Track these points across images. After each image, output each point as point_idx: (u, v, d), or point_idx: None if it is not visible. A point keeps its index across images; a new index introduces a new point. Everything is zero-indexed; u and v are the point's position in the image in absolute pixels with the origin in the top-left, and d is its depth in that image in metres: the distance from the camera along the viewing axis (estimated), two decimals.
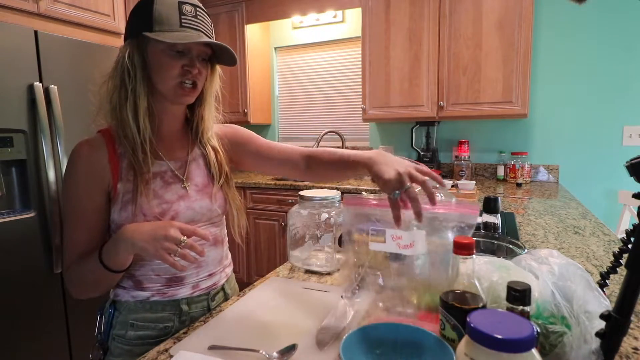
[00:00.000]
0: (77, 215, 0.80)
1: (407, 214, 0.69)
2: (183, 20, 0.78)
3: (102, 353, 0.86)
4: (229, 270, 1.01)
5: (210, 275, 0.92)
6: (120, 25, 2.41)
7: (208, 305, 0.92)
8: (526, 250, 0.85)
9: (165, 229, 0.70)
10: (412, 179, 0.71)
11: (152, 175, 0.83)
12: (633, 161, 0.49)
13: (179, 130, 0.92)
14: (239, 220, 0.97)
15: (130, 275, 0.85)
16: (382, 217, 0.74)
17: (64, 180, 0.82)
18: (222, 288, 0.97)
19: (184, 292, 0.87)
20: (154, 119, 0.85)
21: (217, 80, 0.91)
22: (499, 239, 0.96)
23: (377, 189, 2.31)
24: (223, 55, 0.87)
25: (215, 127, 0.99)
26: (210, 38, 0.83)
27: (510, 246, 0.92)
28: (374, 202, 0.75)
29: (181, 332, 0.77)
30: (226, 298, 0.97)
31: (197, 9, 0.81)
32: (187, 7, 0.79)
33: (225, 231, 1.00)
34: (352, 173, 0.94)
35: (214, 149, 0.95)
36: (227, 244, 1.02)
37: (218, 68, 0.92)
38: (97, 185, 0.80)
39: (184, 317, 0.87)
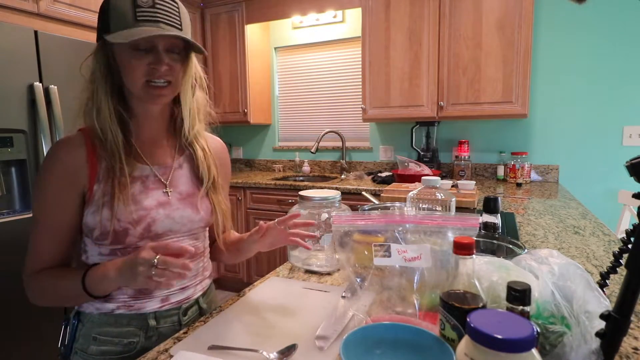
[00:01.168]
0: (46, 223, 0.77)
1: (412, 227, 0.69)
2: (138, 14, 0.71)
3: None
4: (207, 282, 0.95)
5: (182, 288, 0.86)
6: None
7: (179, 320, 0.85)
8: (526, 250, 0.85)
9: (136, 255, 0.66)
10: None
11: (132, 179, 0.79)
12: (633, 161, 0.49)
13: (163, 131, 0.88)
14: (224, 225, 0.93)
15: None
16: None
17: (36, 181, 0.78)
18: (197, 301, 0.90)
19: (152, 305, 0.81)
20: (135, 122, 0.82)
21: (191, 72, 0.83)
22: (499, 239, 0.96)
23: (377, 189, 2.31)
24: (190, 46, 0.79)
25: (216, 139, 0.98)
26: (175, 27, 0.75)
27: (510, 246, 0.92)
28: (364, 219, 0.74)
29: (181, 332, 0.77)
30: (201, 313, 0.90)
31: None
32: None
33: (208, 242, 0.96)
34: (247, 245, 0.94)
35: (202, 149, 0.89)
36: (208, 255, 0.97)
37: (194, 58, 0.83)
38: (71, 187, 0.76)
39: (151, 332, 0.82)
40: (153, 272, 0.64)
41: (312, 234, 0.92)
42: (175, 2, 0.77)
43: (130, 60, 0.74)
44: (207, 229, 0.94)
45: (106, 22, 0.73)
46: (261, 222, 0.88)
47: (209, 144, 0.94)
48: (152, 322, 0.82)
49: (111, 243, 0.77)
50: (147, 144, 0.85)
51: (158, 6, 0.73)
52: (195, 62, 0.84)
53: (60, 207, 0.77)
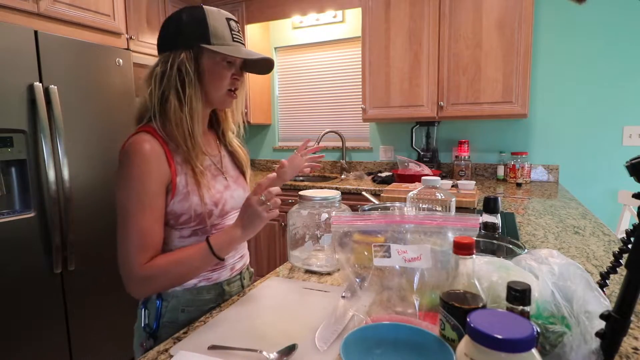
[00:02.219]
0: (147, 207, 0.82)
1: (410, 227, 0.70)
2: (233, 36, 0.90)
3: (152, 341, 0.91)
4: (248, 252, 1.13)
5: (241, 257, 1.05)
6: (120, 25, 2.41)
7: (241, 283, 1.04)
8: (526, 250, 0.85)
9: (248, 207, 0.81)
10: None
11: (204, 168, 0.92)
12: (633, 161, 0.49)
13: (206, 128, 1.02)
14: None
15: None
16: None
17: (126, 176, 0.83)
18: (247, 267, 1.10)
19: (224, 275, 0.98)
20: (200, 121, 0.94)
21: (246, 86, 1.03)
22: (499, 239, 0.96)
23: (377, 189, 2.31)
24: (253, 67, 0.97)
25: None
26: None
27: (510, 246, 0.92)
28: (363, 220, 0.74)
29: (181, 332, 0.77)
30: (250, 276, 1.11)
31: (237, 24, 0.94)
32: (233, 24, 0.91)
33: None
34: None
35: (239, 147, 1.07)
36: None
37: (246, 76, 1.01)
38: (162, 179, 0.85)
39: (226, 296, 0.98)
40: (270, 206, 0.80)
41: (319, 156, 1.36)
42: None
43: (221, 70, 0.90)
44: None
45: (205, 35, 0.86)
46: (282, 160, 1.20)
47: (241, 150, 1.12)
48: (226, 288, 0.99)
49: (197, 224, 0.90)
50: (203, 137, 0.97)
51: (240, 33, 0.94)
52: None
53: (158, 194, 0.85)
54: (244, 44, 0.92)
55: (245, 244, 1.10)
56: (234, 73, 0.92)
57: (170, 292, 0.92)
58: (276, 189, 0.81)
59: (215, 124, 1.05)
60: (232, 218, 0.98)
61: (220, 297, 0.97)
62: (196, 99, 0.88)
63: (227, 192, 0.97)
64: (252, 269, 1.14)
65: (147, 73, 0.90)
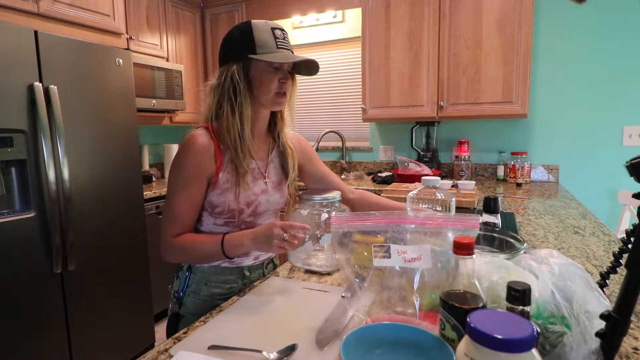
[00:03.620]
0: (187, 194, 0.97)
1: (410, 227, 0.70)
2: (278, 43, 0.97)
3: (178, 306, 1.06)
4: None
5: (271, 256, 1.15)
6: (120, 25, 2.41)
7: (263, 272, 1.13)
8: (525, 245, 0.86)
9: (269, 231, 0.88)
10: None
11: (246, 170, 1.01)
12: (633, 161, 0.49)
13: (264, 131, 1.10)
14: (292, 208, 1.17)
15: None
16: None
17: (176, 162, 0.98)
18: (272, 260, 1.18)
19: (247, 261, 1.09)
20: (251, 126, 1.01)
21: (296, 88, 1.07)
22: (499, 232, 0.96)
23: (377, 189, 2.31)
24: (302, 68, 1.04)
25: (289, 133, 1.16)
26: (292, 52, 1.02)
27: (511, 240, 0.92)
28: (363, 220, 0.74)
29: (181, 332, 0.77)
30: (274, 267, 1.19)
31: (284, 32, 1.00)
32: (278, 32, 0.98)
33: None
34: None
35: (290, 148, 1.12)
36: None
37: (296, 78, 1.08)
38: (205, 171, 0.97)
39: (246, 280, 1.08)
40: (284, 244, 0.87)
41: None
42: (288, 36, 1.03)
43: (268, 75, 0.97)
44: None
45: (251, 46, 0.95)
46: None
47: (296, 140, 1.18)
48: (247, 273, 1.09)
49: (228, 218, 1.02)
50: (254, 141, 1.06)
51: (286, 39, 1.01)
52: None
53: (197, 183, 0.98)
54: (289, 49, 0.99)
55: None
56: (281, 77, 0.98)
57: (198, 266, 1.06)
58: (302, 236, 0.88)
59: (273, 125, 1.12)
60: (265, 218, 1.09)
61: (240, 279, 1.08)
62: (246, 104, 0.97)
63: (263, 196, 1.06)
64: (277, 261, 1.22)
65: (208, 87, 1.03)
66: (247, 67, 0.98)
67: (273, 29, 0.98)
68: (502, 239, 0.95)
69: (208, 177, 0.99)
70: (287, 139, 1.13)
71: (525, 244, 0.86)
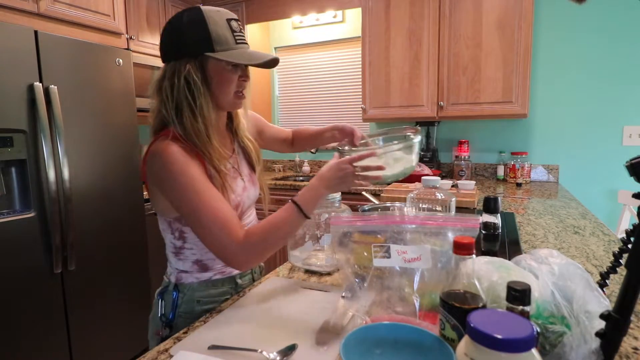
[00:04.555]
0: (211, 193, 0.84)
1: (410, 228, 0.70)
2: (236, 38, 0.87)
3: (168, 330, 0.94)
4: None
5: None
6: (120, 25, 2.41)
7: (252, 277, 1.08)
8: (419, 136, 0.91)
9: (343, 171, 0.82)
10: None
11: (226, 171, 0.93)
12: (633, 161, 0.49)
13: (224, 129, 1.03)
14: (268, 197, 1.10)
15: (195, 261, 0.95)
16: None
17: (176, 179, 0.83)
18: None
19: None
20: (214, 127, 0.93)
21: (251, 82, 0.99)
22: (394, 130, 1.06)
23: (377, 189, 2.32)
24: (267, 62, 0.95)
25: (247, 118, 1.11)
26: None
27: (408, 133, 1.00)
28: (362, 220, 0.74)
29: (181, 332, 0.77)
30: (261, 270, 1.14)
31: (238, 22, 0.90)
32: (234, 24, 0.88)
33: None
34: (321, 141, 1.19)
35: (249, 140, 1.06)
36: None
37: (249, 70, 0.99)
38: (201, 169, 0.86)
39: (238, 288, 1.02)
40: (359, 177, 0.83)
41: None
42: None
43: (227, 74, 0.88)
44: None
45: (208, 42, 0.84)
46: (358, 133, 1.08)
47: (249, 122, 1.11)
48: (239, 281, 1.02)
49: None
50: (219, 141, 0.97)
51: (242, 31, 0.91)
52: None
53: (207, 180, 0.86)
54: (246, 42, 0.90)
55: None
56: (240, 75, 0.91)
57: (186, 284, 0.95)
58: (375, 165, 0.83)
59: (229, 121, 1.05)
60: (247, 217, 1.02)
61: (233, 289, 1.00)
62: (207, 107, 0.88)
63: (245, 194, 0.99)
64: (262, 264, 1.15)
65: (155, 84, 0.90)
66: (203, 66, 0.87)
67: (229, 20, 0.87)
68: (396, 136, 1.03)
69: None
70: (245, 134, 1.05)
71: (419, 136, 0.91)
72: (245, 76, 0.92)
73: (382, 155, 0.87)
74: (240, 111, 1.03)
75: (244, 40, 0.89)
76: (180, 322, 0.94)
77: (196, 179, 0.83)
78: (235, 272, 1.00)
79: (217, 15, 0.86)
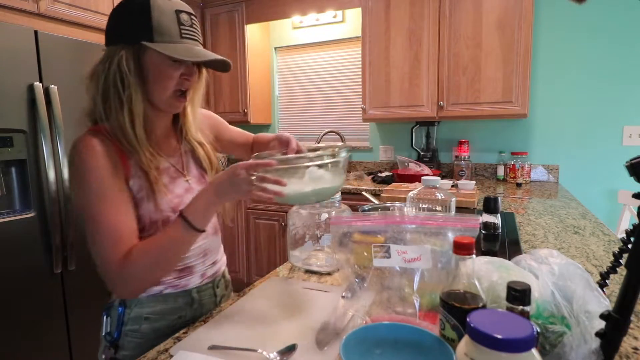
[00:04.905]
0: (106, 199, 0.75)
1: (410, 228, 0.70)
2: (182, 31, 0.79)
3: (113, 351, 0.85)
4: (225, 259, 1.06)
5: (213, 263, 0.98)
6: None
7: (214, 291, 0.98)
8: (347, 151, 0.82)
9: (236, 176, 0.72)
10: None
11: (159, 172, 0.85)
12: (633, 161, 0.49)
13: (169, 128, 0.95)
14: (228, 206, 0.99)
15: None
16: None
17: (82, 176, 0.76)
18: (223, 275, 1.03)
19: (194, 281, 0.92)
20: (148, 123, 0.85)
21: (204, 83, 0.92)
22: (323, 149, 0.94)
23: (377, 189, 2.32)
24: (218, 62, 0.86)
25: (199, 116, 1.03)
26: (202, 45, 0.85)
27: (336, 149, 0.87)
28: (361, 220, 0.74)
29: (181, 332, 0.77)
30: (226, 285, 1.04)
31: (192, 17, 0.82)
32: (184, 16, 0.80)
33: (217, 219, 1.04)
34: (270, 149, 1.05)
35: (199, 143, 0.97)
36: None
37: (204, 71, 0.92)
38: (121, 177, 0.79)
39: (195, 304, 0.92)
40: (257, 187, 0.72)
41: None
42: (198, 22, 0.86)
43: (166, 69, 0.80)
44: None
45: (147, 30, 0.76)
46: (292, 145, 0.96)
47: (203, 122, 1.03)
48: (196, 296, 0.92)
49: (153, 233, 0.82)
50: (158, 139, 0.90)
51: (194, 26, 0.83)
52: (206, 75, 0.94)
53: (122, 191, 0.78)
54: (197, 39, 0.82)
55: (221, 249, 1.04)
56: (183, 72, 0.82)
57: (133, 299, 0.86)
58: (274, 179, 0.72)
59: (175, 119, 0.96)
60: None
61: (189, 305, 0.91)
62: (137, 100, 0.79)
63: (189, 196, 0.88)
64: (228, 277, 1.07)
65: (90, 69, 0.82)
66: (139, 55, 0.79)
67: (178, 11, 0.79)
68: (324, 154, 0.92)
69: (124, 182, 0.80)
70: (193, 136, 0.97)
71: (343, 154, 0.80)
72: (189, 75, 0.83)
73: (293, 170, 0.76)
74: (189, 112, 0.94)
75: (193, 36, 0.82)
76: (126, 343, 0.85)
77: (104, 183, 0.76)
78: (191, 285, 0.91)
79: (165, 5, 0.78)
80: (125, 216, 0.77)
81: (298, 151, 0.95)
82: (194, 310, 0.92)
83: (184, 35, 0.79)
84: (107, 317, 0.87)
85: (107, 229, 0.74)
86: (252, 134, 1.18)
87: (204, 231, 0.77)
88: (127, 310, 0.86)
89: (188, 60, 0.80)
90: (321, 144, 0.97)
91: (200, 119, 1.02)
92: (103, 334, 0.87)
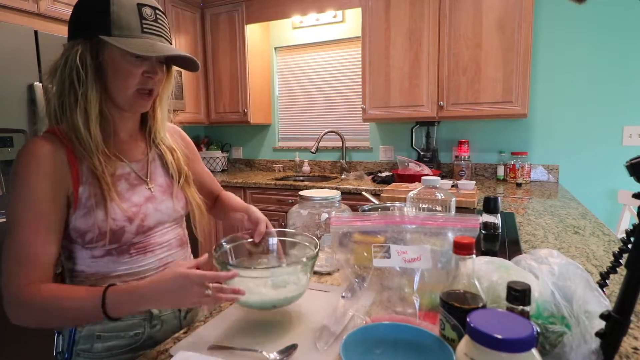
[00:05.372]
0: (37, 217, 0.70)
1: (410, 228, 0.70)
2: (144, 26, 0.75)
3: None
4: None
5: None
6: None
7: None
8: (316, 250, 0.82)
9: (184, 288, 0.65)
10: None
11: (116, 178, 0.80)
12: (633, 161, 0.49)
13: (135, 130, 0.89)
14: (200, 218, 0.95)
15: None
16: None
17: (16, 180, 0.71)
18: None
19: None
20: (109, 124, 0.81)
21: (172, 83, 0.89)
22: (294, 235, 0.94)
23: (377, 189, 2.32)
24: (181, 60, 0.82)
25: (170, 125, 0.97)
26: (168, 41, 0.80)
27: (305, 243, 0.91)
28: (362, 221, 0.74)
29: (181, 332, 0.77)
30: None
31: (157, 11, 0.78)
32: (147, 10, 0.75)
33: (186, 232, 0.98)
34: (233, 218, 1.01)
35: (169, 148, 0.93)
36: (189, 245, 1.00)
37: (173, 70, 0.87)
38: (60, 186, 0.73)
39: (155, 321, 0.85)
40: (209, 292, 0.66)
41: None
42: (166, 18, 0.82)
43: (127, 66, 0.75)
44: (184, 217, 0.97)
45: (105, 23, 0.72)
46: (261, 228, 0.92)
47: (178, 135, 1.01)
48: (155, 312, 0.85)
49: (110, 243, 0.77)
50: (122, 142, 0.85)
51: (159, 21, 0.78)
52: (176, 74, 0.90)
53: (52, 203, 0.72)
54: (161, 35, 0.77)
55: (189, 251, 0.97)
56: (146, 70, 0.77)
57: None
58: (231, 289, 0.68)
59: (143, 122, 0.91)
60: (161, 234, 0.86)
61: (147, 321, 0.84)
62: (93, 98, 0.74)
63: (150, 205, 0.83)
64: None
65: (49, 66, 0.78)
66: (97, 50, 0.74)
67: (140, 5, 0.74)
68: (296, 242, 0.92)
69: (65, 193, 0.74)
70: (162, 139, 0.92)
71: (312, 260, 0.78)
72: (152, 72, 0.78)
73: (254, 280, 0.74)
74: (157, 113, 0.89)
75: (157, 31, 0.77)
76: None
77: (34, 195, 0.70)
78: None
79: None
80: (44, 236, 0.70)
81: (267, 234, 0.92)
82: (153, 327, 0.84)
83: (145, 29, 0.75)
84: (58, 335, 0.82)
85: (17, 246, 0.69)
86: (221, 188, 1.12)
87: (115, 319, 0.68)
88: (78, 328, 0.80)
89: (147, 56, 0.74)
90: (294, 234, 0.91)
91: (172, 133, 0.98)
92: (54, 353, 0.82)
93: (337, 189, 1.96)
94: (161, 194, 0.87)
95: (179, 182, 0.91)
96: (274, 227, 0.95)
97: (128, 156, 0.85)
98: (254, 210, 0.96)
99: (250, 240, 0.91)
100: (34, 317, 0.69)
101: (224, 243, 0.87)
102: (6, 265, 0.69)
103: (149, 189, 0.85)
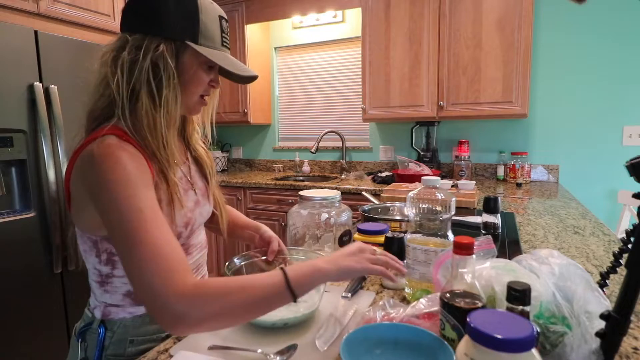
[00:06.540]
0: (158, 219, 0.63)
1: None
2: (223, 39, 0.78)
3: None
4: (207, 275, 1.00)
5: (202, 277, 0.93)
6: None
7: None
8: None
9: (362, 251, 0.69)
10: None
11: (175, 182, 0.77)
12: (633, 161, 0.49)
13: (178, 134, 0.90)
14: (226, 216, 0.96)
15: (128, 293, 0.77)
16: None
17: (108, 186, 0.63)
18: None
19: None
20: None
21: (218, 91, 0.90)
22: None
23: (377, 189, 2.32)
24: (232, 73, 0.83)
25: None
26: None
27: None
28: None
29: None
30: None
31: (228, 25, 0.81)
32: (224, 24, 0.79)
33: None
34: (241, 235, 1.04)
35: (204, 150, 0.94)
36: None
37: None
38: (150, 182, 0.69)
39: None
40: (378, 260, 0.69)
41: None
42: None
43: (201, 74, 0.77)
44: None
45: (194, 31, 0.73)
46: (274, 246, 0.95)
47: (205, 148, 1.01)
48: None
49: None
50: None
51: (228, 34, 0.82)
52: None
53: (153, 194, 0.67)
54: (229, 48, 0.82)
55: (204, 262, 0.95)
56: (212, 79, 0.80)
57: (116, 320, 0.77)
58: (396, 263, 0.72)
59: (180, 126, 0.90)
60: (195, 236, 0.86)
61: None
62: (174, 102, 0.73)
63: (197, 210, 0.84)
64: None
65: (109, 54, 0.72)
66: (177, 53, 0.72)
67: (221, 17, 0.77)
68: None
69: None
70: (199, 142, 0.93)
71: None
72: (216, 82, 0.81)
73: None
74: (195, 118, 0.91)
75: (229, 44, 0.81)
76: None
77: (143, 197, 0.63)
78: None
79: (210, 7, 0.75)
80: (170, 234, 0.64)
81: (279, 252, 0.94)
82: None
83: (224, 42, 0.78)
84: (81, 342, 0.79)
85: (151, 249, 0.60)
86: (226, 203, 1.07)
87: (296, 300, 0.62)
88: (109, 333, 0.77)
89: (235, 72, 0.78)
90: (306, 252, 0.93)
91: (204, 156, 0.96)
92: (79, 358, 0.78)
93: (337, 189, 1.96)
94: (202, 198, 0.88)
95: (212, 183, 0.93)
96: (275, 227, 0.95)
97: (177, 160, 0.83)
98: (266, 229, 0.98)
99: (263, 258, 0.93)
100: (213, 309, 0.58)
101: (236, 260, 0.88)
102: (151, 273, 0.58)
103: (195, 192, 0.86)
